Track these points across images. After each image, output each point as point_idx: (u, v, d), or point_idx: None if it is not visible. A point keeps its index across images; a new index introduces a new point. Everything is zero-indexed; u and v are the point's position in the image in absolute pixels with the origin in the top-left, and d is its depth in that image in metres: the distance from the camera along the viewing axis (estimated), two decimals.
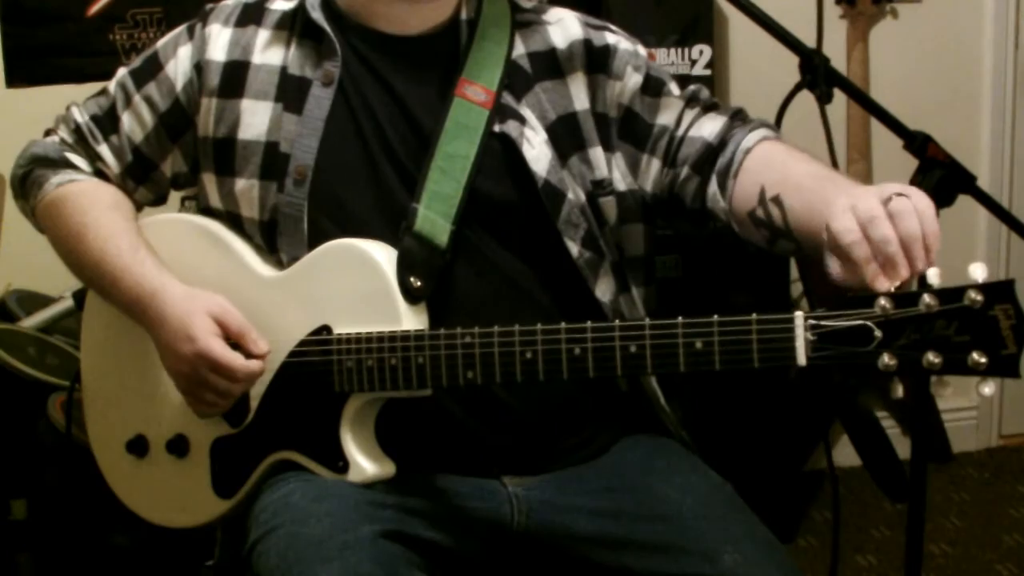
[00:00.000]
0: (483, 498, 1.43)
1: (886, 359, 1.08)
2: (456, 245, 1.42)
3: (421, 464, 1.43)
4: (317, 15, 1.47)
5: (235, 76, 1.48)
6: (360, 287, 1.38)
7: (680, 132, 1.48)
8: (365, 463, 1.38)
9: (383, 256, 1.39)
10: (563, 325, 1.25)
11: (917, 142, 1.51)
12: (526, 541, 1.44)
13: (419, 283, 1.37)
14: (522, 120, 1.46)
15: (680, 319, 1.21)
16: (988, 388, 1.08)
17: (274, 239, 1.46)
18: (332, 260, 1.41)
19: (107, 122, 1.56)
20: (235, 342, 1.40)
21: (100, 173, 1.57)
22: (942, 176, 1.50)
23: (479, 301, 1.42)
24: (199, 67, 1.50)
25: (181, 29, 1.55)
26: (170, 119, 1.52)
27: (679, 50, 2.78)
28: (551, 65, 1.50)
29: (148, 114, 1.53)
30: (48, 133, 1.61)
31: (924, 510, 1.61)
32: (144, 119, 1.53)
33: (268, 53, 1.49)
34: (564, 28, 1.52)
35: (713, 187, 1.43)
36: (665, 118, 1.49)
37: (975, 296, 1.06)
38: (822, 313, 1.12)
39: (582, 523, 1.43)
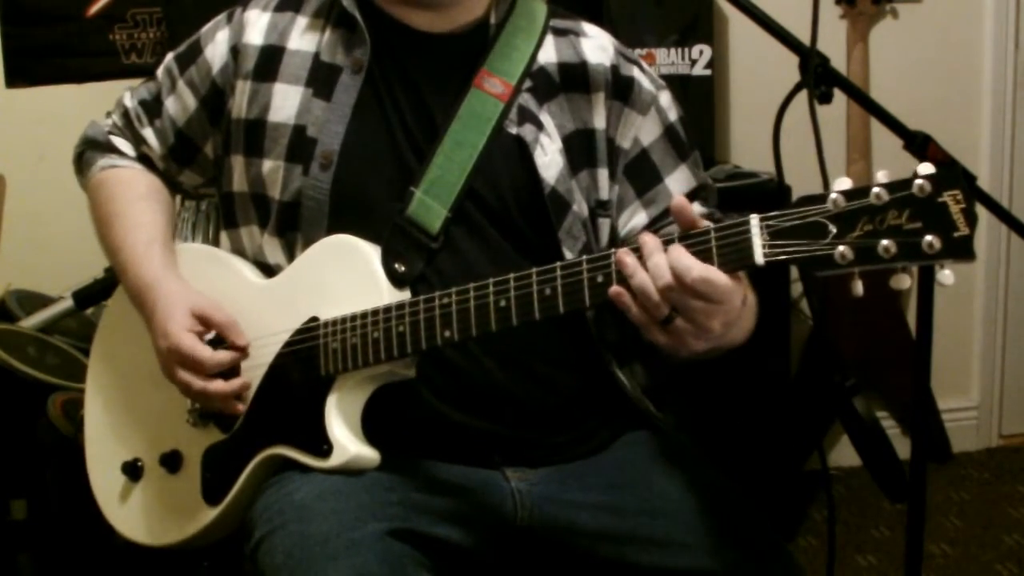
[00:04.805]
0: (486, 493, 1.44)
1: (842, 250, 1.09)
2: (449, 233, 1.43)
3: (421, 452, 1.44)
4: (349, 3, 1.49)
5: (270, 60, 1.51)
6: (346, 275, 1.41)
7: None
8: (348, 442, 1.38)
9: (368, 244, 1.41)
10: (534, 269, 1.27)
11: (917, 142, 1.51)
12: (529, 536, 1.44)
13: (403, 268, 1.40)
14: (540, 125, 1.47)
15: (641, 235, 1.21)
16: (947, 277, 1.08)
17: (294, 221, 1.48)
18: (319, 256, 1.44)
19: (153, 106, 1.62)
20: (220, 336, 1.45)
21: (144, 157, 1.63)
22: None
23: None
24: (235, 50, 1.53)
25: (222, 15, 1.59)
26: (209, 102, 1.56)
27: (679, 50, 2.78)
28: (580, 78, 1.51)
29: (190, 97, 1.57)
30: (110, 115, 1.68)
31: (924, 510, 1.61)
32: (186, 103, 1.58)
33: (304, 39, 1.51)
34: (598, 46, 1.54)
35: None
36: (675, 185, 1.52)
37: (923, 184, 1.06)
38: (777, 213, 1.13)
39: (584, 518, 1.43)
